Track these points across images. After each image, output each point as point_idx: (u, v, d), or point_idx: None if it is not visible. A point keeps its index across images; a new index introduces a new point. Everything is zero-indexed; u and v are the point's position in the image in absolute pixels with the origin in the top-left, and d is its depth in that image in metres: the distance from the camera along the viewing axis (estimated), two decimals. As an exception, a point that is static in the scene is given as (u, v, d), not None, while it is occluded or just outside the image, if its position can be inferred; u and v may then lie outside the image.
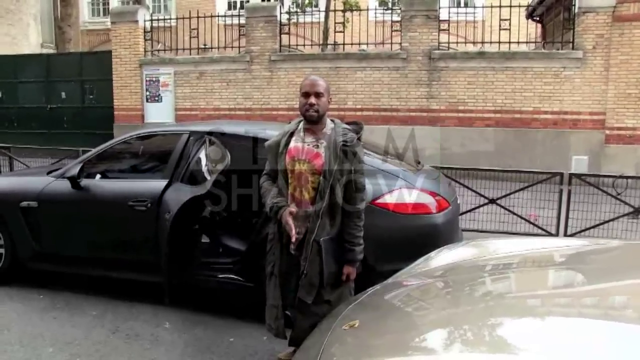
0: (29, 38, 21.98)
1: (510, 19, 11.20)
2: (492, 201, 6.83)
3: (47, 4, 23.65)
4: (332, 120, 3.33)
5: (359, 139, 3.26)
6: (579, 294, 2.28)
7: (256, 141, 4.40)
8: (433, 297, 2.51)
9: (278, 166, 3.29)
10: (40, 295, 5.06)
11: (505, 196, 6.87)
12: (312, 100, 3.19)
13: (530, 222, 6.74)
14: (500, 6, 11.28)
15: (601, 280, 2.40)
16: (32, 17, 22.36)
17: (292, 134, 3.31)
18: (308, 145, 3.24)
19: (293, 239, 3.15)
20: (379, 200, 4.23)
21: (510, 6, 11.29)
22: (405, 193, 4.32)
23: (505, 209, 6.79)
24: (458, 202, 5.16)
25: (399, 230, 4.26)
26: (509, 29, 11.22)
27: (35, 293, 5.11)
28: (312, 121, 3.24)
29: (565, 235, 6.59)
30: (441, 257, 3.08)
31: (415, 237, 4.26)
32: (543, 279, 2.58)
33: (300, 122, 3.35)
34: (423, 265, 3.00)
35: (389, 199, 4.25)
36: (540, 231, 6.69)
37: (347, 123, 3.35)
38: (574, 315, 2.01)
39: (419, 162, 5.42)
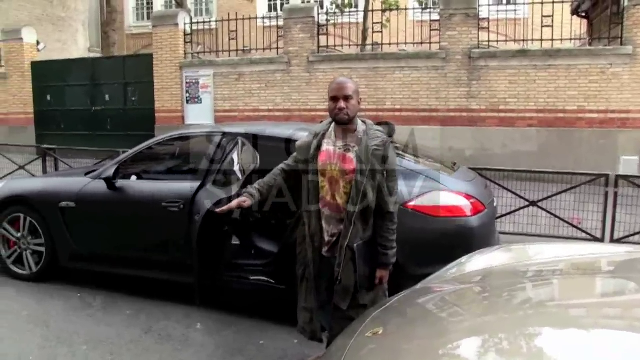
0: (78, 43, 22.65)
1: (553, 16, 10.87)
2: (532, 203, 6.64)
3: (94, 10, 24.31)
4: (363, 122, 3.25)
5: (391, 141, 3.19)
6: (627, 304, 2.11)
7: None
8: (468, 303, 2.39)
9: (309, 168, 3.23)
10: (78, 294, 5.17)
11: (546, 198, 6.66)
12: (342, 104, 3.11)
13: (573, 226, 6.51)
14: (543, 2, 10.99)
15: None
16: (81, 23, 23.04)
17: (323, 136, 3.26)
18: (339, 149, 3.18)
19: (217, 210, 3.42)
20: (412, 203, 4.16)
21: (554, 2, 10.98)
22: (438, 195, 4.23)
23: (547, 211, 6.58)
24: (495, 204, 5.02)
25: (431, 233, 4.17)
26: (552, 26, 10.89)
27: (73, 291, 5.23)
28: (343, 124, 3.18)
29: (612, 240, 6.34)
30: (474, 262, 2.97)
31: (449, 240, 4.16)
32: (588, 288, 2.43)
33: (331, 123, 3.29)
34: (456, 270, 2.90)
35: (423, 201, 4.18)
36: (584, 235, 6.45)
37: (378, 124, 3.28)
38: (621, 328, 1.88)
39: (454, 164, 5.30)
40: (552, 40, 11.23)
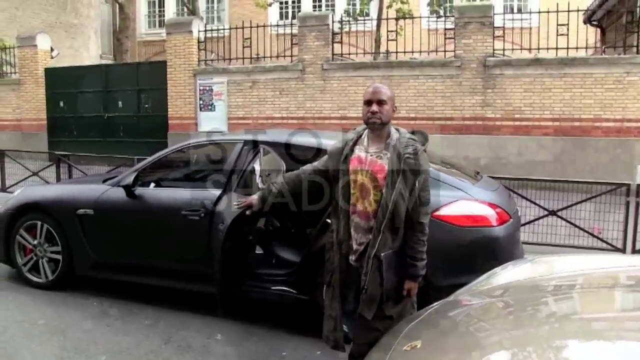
0: (90, 50, 22.79)
1: (568, 24, 10.81)
2: (552, 213, 6.57)
3: (106, 17, 24.49)
4: (397, 130, 3.18)
5: (424, 150, 3.11)
6: None
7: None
8: (494, 318, 2.41)
9: (340, 174, 3.17)
10: (95, 302, 5.12)
11: (566, 208, 6.59)
12: (374, 107, 3.05)
13: (594, 236, 6.44)
14: (557, 11, 10.92)
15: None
16: (93, 30, 23.18)
17: (355, 142, 3.20)
18: (371, 155, 3.11)
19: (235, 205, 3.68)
20: (437, 213, 4.08)
21: (568, 11, 10.90)
22: (464, 205, 4.18)
23: (567, 221, 6.51)
24: (519, 214, 4.94)
25: (457, 243, 4.11)
26: (567, 35, 10.83)
27: (90, 300, 5.18)
28: (376, 129, 3.11)
29: (633, 250, 6.26)
30: (505, 275, 2.95)
31: (475, 251, 4.11)
32: (611, 301, 2.44)
33: (364, 130, 3.22)
34: (485, 283, 2.88)
35: (448, 211, 4.11)
36: (604, 245, 6.38)
37: (412, 132, 3.21)
38: None
39: (477, 173, 5.23)
40: (567, 48, 11.18)
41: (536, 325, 2.17)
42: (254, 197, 3.56)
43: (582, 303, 2.44)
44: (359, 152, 3.16)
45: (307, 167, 3.44)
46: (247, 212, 3.61)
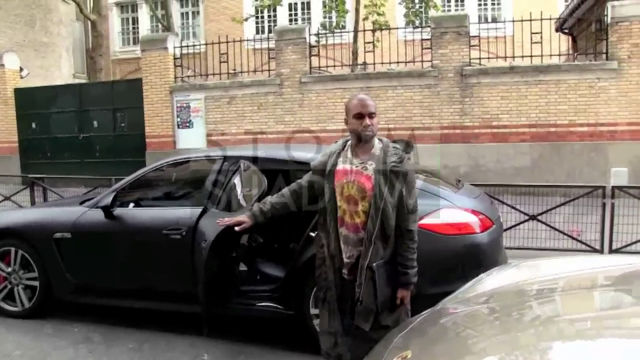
0: (62, 69, 22.45)
1: (542, 33, 10.99)
2: (532, 217, 6.63)
3: (78, 35, 24.20)
4: (380, 140, 3.20)
5: (409, 158, 3.16)
6: (629, 315, 2.24)
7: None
8: (481, 324, 2.43)
9: (326, 188, 3.18)
10: (75, 328, 4.98)
11: (546, 212, 6.67)
12: (367, 121, 3.07)
13: (574, 238, 6.53)
14: (531, 20, 11.08)
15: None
16: (65, 49, 22.86)
17: (338, 155, 3.21)
18: (356, 166, 3.13)
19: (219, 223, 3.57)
20: (420, 222, 4.03)
21: (541, 19, 11.09)
22: (447, 213, 4.17)
23: (547, 225, 6.58)
24: (501, 220, 4.96)
25: (442, 252, 4.09)
26: (541, 43, 11.02)
27: (69, 326, 5.04)
28: (366, 141, 3.13)
29: (611, 250, 6.37)
30: (490, 281, 2.96)
31: (460, 258, 4.11)
32: (591, 301, 2.52)
33: (347, 142, 3.25)
34: (470, 290, 2.88)
35: (431, 219, 4.10)
36: (584, 247, 6.47)
37: (394, 141, 3.24)
38: (625, 337, 2.02)
39: (459, 181, 5.25)
40: (542, 56, 11.38)
41: (522, 330, 2.22)
42: (243, 216, 3.51)
43: (565, 305, 2.49)
44: (343, 164, 3.16)
45: (293, 185, 3.43)
46: (237, 229, 3.55)
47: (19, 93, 15.73)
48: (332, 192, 3.16)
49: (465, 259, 4.10)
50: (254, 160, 4.62)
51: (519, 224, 6.67)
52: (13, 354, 4.50)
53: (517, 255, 5.80)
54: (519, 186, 7.16)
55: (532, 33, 11.07)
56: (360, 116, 3.09)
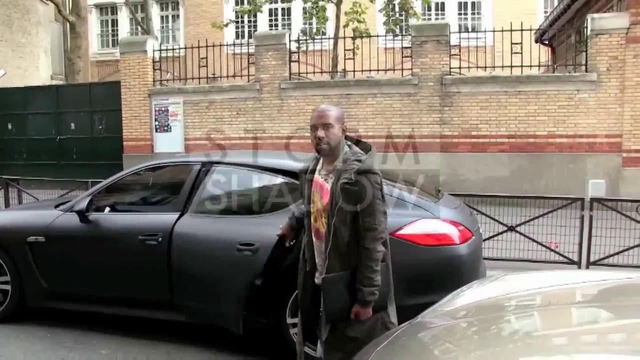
0: (39, 70, 22.20)
1: (522, 43, 11.09)
2: (511, 228, 6.64)
3: (57, 36, 23.93)
4: (349, 146, 3.09)
5: (372, 172, 2.95)
6: (605, 330, 2.27)
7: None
8: (460, 338, 2.42)
9: (304, 195, 3.20)
10: (48, 334, 4.88)
11: (524, 223, 6.67)
12: (320, 133, 2.98)
13: (552, 250, 6.54)
14: (511, 30, 11.17)
15: (628, 316, 2.38)
16: (43, 50, 22.61)
17: (317, 161, 3.21)
18: (322, 178, 3.10)
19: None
20: (399, 232, 4.05)
21: (522, 30, 11.18)
22: (426, 224, 4.16)
23: (526, 236, 6.59)
24: (480, 231, 4.96)
25: (421, 262, 4.08)
26: (521, 53, 11.09)
27: (42, 331, 4.93)
28: (325, 154, 3.07)
29: (588, 262, 6.40)
30: (469, 295, 2.94)
31: (439, 269, 4.10)
32: (569, 317, 2.52)
33: None
34: (449, 304, 2.87)
35: (410, 230, 4.08)
36: (562, 259, 6.49)
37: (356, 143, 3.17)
38: (601, 352, 2.03)
39: (439, 191, 5.24)
40: (522, 66, 11.42)
41: (501, 344, 2.21)
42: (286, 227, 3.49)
43: (543, 320, 2.50)
44: (317, 174, 3.15)
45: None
46: (287, 244, 3.55)
47: (-4, 93, 15.48)
48: (309, 198, 3.16)
49: (444, 270, 4.09)
50: (231, 166, 4.59)
51: (497, 235, 6.67)
52: (-17, 360, 4.42)
53: (495, 266, 5.88)
54: (498, 197, 7.16)
55: (512, 43, 11.17)
56: (314, 128, 3.02)
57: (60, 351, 4.53)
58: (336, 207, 2.93)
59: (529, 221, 6.67)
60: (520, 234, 6.62)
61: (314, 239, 3.16)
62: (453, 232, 4.17)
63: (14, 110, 15.28)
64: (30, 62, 21.87)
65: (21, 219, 5.36)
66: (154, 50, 13.79)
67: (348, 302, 3.00)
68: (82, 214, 4.78)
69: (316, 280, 3.15)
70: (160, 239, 4.42)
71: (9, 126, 15.41)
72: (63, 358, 4.41)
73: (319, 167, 3.17)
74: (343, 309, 3.01)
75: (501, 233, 6.68)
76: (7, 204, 9.12)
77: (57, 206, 5.24)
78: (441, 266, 4.09)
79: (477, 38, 14.02)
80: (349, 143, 3.11)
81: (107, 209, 4.96)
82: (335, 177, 2.98)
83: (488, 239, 6.61)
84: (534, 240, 6.55)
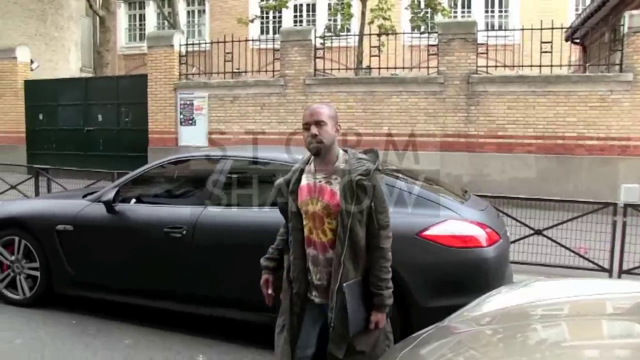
0: (70, 63, 22.60)
1: (552, 42, 10.88)
2: (538, 232, 6.50)
3: (87, 30, 24.28)
4: (345, 151, 2.96)
5: (377, 169, 2.87)
6: (635, 346, 2.17)
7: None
8: (485, 345, 2.37)
9: (290, 206, 2.97)
10: (73, 321, 4.97)
11: (552, 227, 6.54)
12: (314, 130, 2.81)
13: (580, 255, 6.37)
14: (541, 29, 10.99)
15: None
16: (73, 43, 23.02)
17: (302, 171, 2.99)
18: (320, 182, 2.89)
19: (268, 302, 3.11)
20: (425, 232, 4.02)
21: (552, 28, 10.98)
22: (453, 225, 4.09)
23: (553, 240, 6.44)
24: (507, 234, 4.88)
25: (446, 264, 4.02)
26: (551, 52, 10.89)
27: (68, 318, 5.03)
28: (319, 154, 2.89)
29: (621, 270, 6.21)
30: (497, 300, 2.88)
31: (464, 272, 4.03)
32: (601, 329, 2.43)
33: (311, 157, 3.00)
34: (476, 309, 2.81)
35: (436, 231, 4.03)
36: (591, 265, 6.31)
37: (363, 152, 2.99)
38: None
39: (465, 192, 5.17)
40: (551, 66, 11.22)
41: (528, 354, 2.15)
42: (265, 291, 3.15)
43: (572, 330, 2.41)
44: (306, 180, 2.95)
45: (282, 230, 3.17)
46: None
47: (29, 85, 15.84)
48: (297, 210, 2.94)
49: (470, 273, 4.01)
50: (255, 161, 4.60)
51: (523, 238, 6.54)
52: (14, 342, 4.52)
53: (521, 270, 5.78)
54: (526, 199, 7.01)
55: (541, 42, 10.96)
56: (306, 126, 2.86)
57: (85, 338, 4.60)
58: (353, 205, 2.76)
59: (556, 225, 6.51)
60: (548, 238, 6.46)
61: (311, 252, 2.93)
62: (480, 235, 4.10)
63: (46, 102, 15.53)
64: (61, 55, 22.28)
65: (51, 207, 5.42)
66: (180, 45, 13.86)
67: (364, 310, 2.87)
68: (109, 205, 4.83)
69: (317, 300, 2.93)
70: (184, 231, 4.45)
71: (40, 117, 15.66)
72: (87, 345, 4.48)
73: (308, 174, 2.96)
74: (363, 319, 2.86)
75: (527, 236, 6.54)
76: (37, 192, 9.29)
77: (84, 196, 5.30)
78: (467, 269, 4.02)
79: (505, 36, 13.84)
80: (344, 148, 3.00)
81: (133, 200, 5.00)
82: (342, 175, 2.83)
83: (514, 242, 6.47)
84: (561, 245, 6.39)
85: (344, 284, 2.78)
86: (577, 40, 15.97)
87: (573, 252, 6.38)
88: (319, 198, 2.86)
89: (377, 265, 2.85)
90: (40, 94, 15.59)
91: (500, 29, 19.20)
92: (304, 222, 2.93)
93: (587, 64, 13.75)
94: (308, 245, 2.93)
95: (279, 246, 3.14)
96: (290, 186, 2.97)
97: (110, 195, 4.86)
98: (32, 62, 16.37)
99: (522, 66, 11.74)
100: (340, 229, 2.78)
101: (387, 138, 11.63)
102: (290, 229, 2.97)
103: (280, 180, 3.06)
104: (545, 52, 10.96)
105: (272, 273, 3.11)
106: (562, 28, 11.59)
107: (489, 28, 17.88)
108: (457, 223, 4.11)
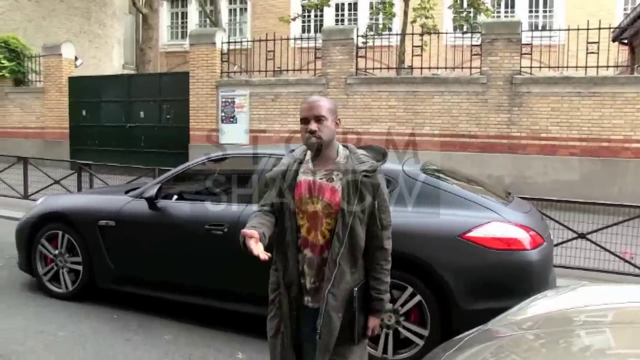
0: (112, 60, 23.10)
1: (598, 42, 10.62)
2: (581, 236, 6.37)
3: (129, 27, 24.78)
4: (345, 146, 2.79)
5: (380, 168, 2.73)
6: None
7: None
8: (526, 350, 2.32)
9: (284, 203, 2.72)
10: (115, 316, 5.04)
11: (595, 231, 6.39)
12: (312, 126, 2.62)
13: (626, 261, 6.22)
14: (588, 29, 10.72)
15: None
16: (116, 40, 23.52)
17: (300, 165, 2.76)
18: (320, 178, 2.69)
19: (261, 256, 2.43)
20: (468, 234, 3.97)
21: (600, 28, 10.72)
22: (496, 227, 4.03)
23: (597, 244, 6.30)
24: (551, 237, 4.78)
25: (488, 267, 3.97)
26: (597, 53, 10.63)
27: (109, 312, 5.10)
28: (318, 151, 2.69)
29: (669, 279, 6.05)
30: (543, 303, 2.83)
31: (507, 275, 3.97)
32: None
33: (306, 151, 2.80)
34: (520, 313, 2.76)
35: (479, 232, 3.98)
36: (637, 271, 6.17)
37: (362, 148, 2.84)
38: None
39: (509, 194, 5.08)
40: (597, 67, 10.96)
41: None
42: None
43: (617, 338, 2.33)
44: (305, 176, 2.72)
45: (257, 212, 2.76)
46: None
47: (73, 81, 16.18)
48: (293, 208, 2.70)
49: (513, 276, 3.96)
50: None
51: (566, 242, 6.43)
52: (58, 334, 4.61)
53: (563, 275, 5.67)
54: (569, 202, 6.85)
55: (587, 42, 10.70)
56: (305, 120, 2.67)
57: (126, 334, 4.66)
58: (355, 203, 2.60)
59: (601, 229, 6.38)
60: (592, 242, 6.34)
61: (307, 254, 2.71)
62: (524, 237, 4.03)
63: (89, 98, 15.82)
64: (104, 52, 22.79)
65: (94, 203, 5.52)
66: (222, 43, 13.98)
67: (364, 316, 2.74)
68: (151, 201, 4.88)
69: (310, 304, 2.72)
70: (226, 229, 4.47)
71: (83, 113, 15.97)
72: (128, 340, 4.53)
73: (306, 169, 2.73)
74: (362, 327, 2.73)
75: (570, 240, 6.43)
76: (79, 188, 9.48)
77: (127, 192, 5.37)
78: (510, 272, 3.96)
79: (550, 37, 13.55)
80: (344, 144, 2.83)
81: (175, 197, 5.05)
82: (344, 172, 2.65)
83: (556, 245, 6.35)
84: (606, 250, 6.26)
85: (355, 289, 2.65)
86: (625, 41, 15.53)
87: (618, 257, 6.25)
88: (319, 196, 2.67)
89: (379, 267, 2.72)
90: (84, 91, 15.90)
91: (544, 29, 18.82)
92: (300, 222, 2.71)
93: (636, 65, 13.35)
94: (304, 247, 2.72)
95: (262, 223, 2.66)
96: (287, 181, 2.72)
97: (153, 191, 4.90)
98: (76, 58, 16.71)
99: (567, 67, 11.48)
100: (340, 227, 2.60)
101: (428, 138, 11.56)
102: (284, 229, 2.72)
103: (272, 173, 2.80)
104: (592, 52, 10.70)
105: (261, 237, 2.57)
106: (609, 28, 11.32)
107: (533, 28, 17.54)
108: (500, 225, 4.05)
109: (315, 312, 2.67)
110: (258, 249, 2.43)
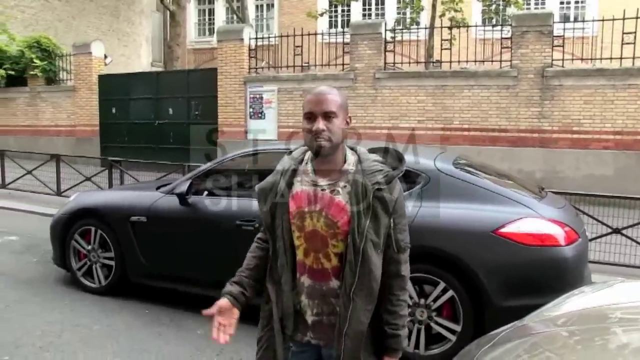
0: (141, 57, 23.37)
1: (635, 32, 10.36)
2: (616, 231, 6.25)
3: (157, 25, 25.03)
4: (353, 150, 2.23)
5: (399, 174, 2.16)
6: None
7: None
8: (561, 347, 2.29)
9: (277, 220, 2.20)
10: (147, 310, 5.11)
11: (631, 226, 6.27)
12: (320, 124, 2.05)
13: (663, 257, 6.10)
14: (623, 18, 10.47)
15: None
16: (145, 38, 23.78)
17: (294, 172, 2.22)
18: (323, 190, 2.14)
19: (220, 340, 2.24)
20: (501, 230, 3.91)
21: (637, 17, 10.45)
22: (530, 223, 3.97)
23: (633, 240, 6.19)
24: (586, 233, 4.69)
25: (522, 263, 3.92)
26: (634, 43, 10.37)
27: (141, 307, 5.18)
28: (324, 154, 2.11)
29: None
30: (579, 300, 2.78)
31: (542, 271, 3.91)
32: None
33: (306, 152, 2.26)
34: (555, 309, 2.72)
35: (513, 228, 3.93)
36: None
37: (373, 151, 2.27)
38: None
39: (542, 189, 5.00)
40: (633, 58, 10.69)
41: (608, 358, 2.07)
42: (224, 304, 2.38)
43: None
44: (302, 185, 2.18)
45: (253, 246, 2.45)
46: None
47: (102, 79, 16.39)
48: (287, 225, 2.19)
49: (547, 272, 3.90)
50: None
51: (600, 237, 6.31)
52: (93, 328, 4.71)
53: (598, 270, 5.58)
54: (604, 196, 6.71)
55: (623, 33, 10.47)
56: (311, 117, 2.09)
57: (158, 328, 4.72)
58: (367, 222, 2.08)
59: (637, 224, 6.27)
60: (627, 237, 6.22)
61: (305, 281, 2.20)
62: (558, 233, 3.97)
63: (118, 96, 16.01)
64: (133, 49, 23.08)
65: (126, 199, 5.59)
66: (249, 39, 14.01)
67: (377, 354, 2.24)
68: (183, 197, 4.93)
69: (313, 342, 2.22)
70: (257, 224, 4.47)
71: (113, 110, 16.17)
72: (160, 334, 4.59)
73: (305, 177, 2.19)
74: None
75: (605, 235, 6.31)
76: (110, 184, 9.62)
77: (158, 188, 5.44)
78: (544, 268, 3.90)
79: (582, 28, 13.29)
80: (351, 146, 2.26)
81: (205, 192, 5.08)
82: (354, 183, 2.11)
83: (591, 240, 6.23)
84: (641, 245, 6.15)
85: (363, 326, 2.13)
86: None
87: (654, 253, 6.11)
88: (321, 212, 2.13)
89: (394, 298, 2.18)
90: (113, 88, 16.09)
91: (576, 20, 18.47)
92: (296, 243, 2.20)
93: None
94: (301, 273, 2.21)
95: (250, 267, 2.37)
96: (279, 192, 2.21)
97: (184, 187, 4.95)
98: (105, 57, 16.95)
99: (601, 59, 11.23)
100: (352, 253, 2.08)
101: (458, 132, 11.45)
102: (276, 250, 2.22)
103: (262, 184, 2.28)
104: (627, 43, 10.45)
105: (234, 303, 2.35)
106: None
107: (565, 20, 17.22)
108: (534, 221, 3.99)
109: (317, 349, 2.24)
110: (217, 332, 2.25)
